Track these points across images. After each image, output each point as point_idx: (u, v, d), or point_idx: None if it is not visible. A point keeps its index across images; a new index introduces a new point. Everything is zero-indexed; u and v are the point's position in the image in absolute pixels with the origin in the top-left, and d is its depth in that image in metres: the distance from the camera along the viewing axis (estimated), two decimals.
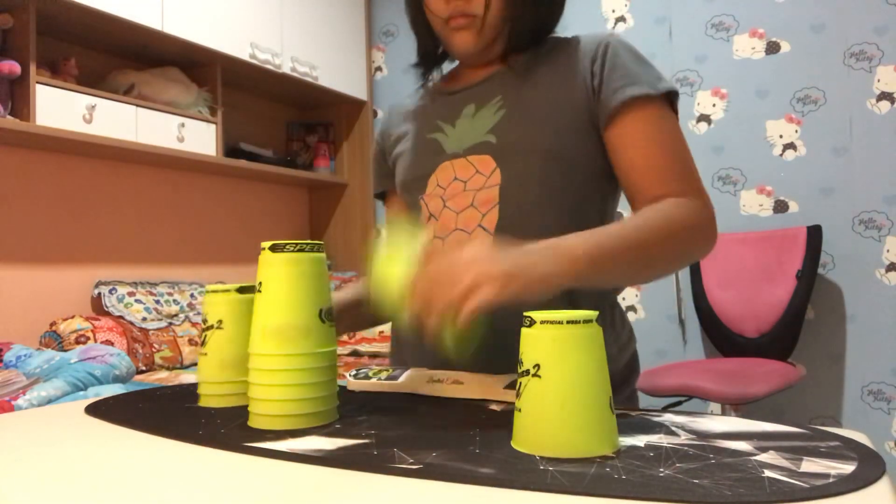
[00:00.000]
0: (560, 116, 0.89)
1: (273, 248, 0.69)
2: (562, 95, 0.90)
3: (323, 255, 0.71)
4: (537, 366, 0.56)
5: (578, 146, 0.89)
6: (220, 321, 0.80)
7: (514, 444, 0.58)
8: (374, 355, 2.74)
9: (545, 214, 0.89)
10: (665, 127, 0.87)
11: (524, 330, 0.58)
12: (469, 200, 0.92)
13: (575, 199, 0.90)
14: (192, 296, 2.68)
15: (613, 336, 0.93)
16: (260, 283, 0.69)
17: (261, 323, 0.68)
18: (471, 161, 0.93)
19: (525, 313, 0.58)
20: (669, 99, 0.89)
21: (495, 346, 0.92)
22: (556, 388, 0.55)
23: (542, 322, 0.56)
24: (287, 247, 0.68)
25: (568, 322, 0.56)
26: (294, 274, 0.68)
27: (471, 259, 0.66)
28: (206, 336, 0.81)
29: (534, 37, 0.96)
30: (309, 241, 0.69)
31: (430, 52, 1.03)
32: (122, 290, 2.46)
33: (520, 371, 0.58)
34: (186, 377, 2.17)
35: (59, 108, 2.13)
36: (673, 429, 0.62)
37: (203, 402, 0.80)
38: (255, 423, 0.68)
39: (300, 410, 0.66)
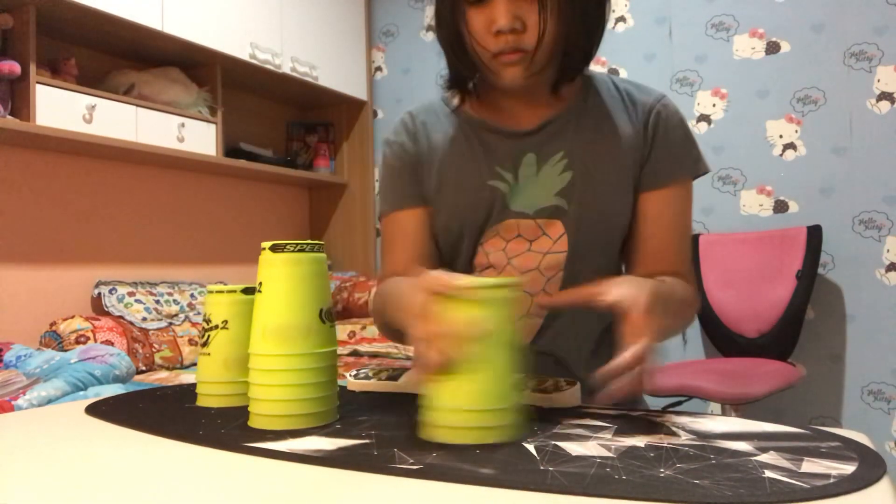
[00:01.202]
0: (619, 179, 0.94)
1: (273, 249, 0.68)
2: (619, 156, 0.94)
3: (323, 255, 0.71)
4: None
5: (627, 207, 0.95)
6: (225, 321, 0.80)
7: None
8: (374, 355, 2.74)
9: (603, 278, 0.92)
10: (688, 208, 0.97)
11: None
12: (535, 263, 0.94)
13: (618, 251, 0.98)
14: (192, 296, 2.68)
15: None
16: (260, 284, 0.69)
17: (261, 323, 0.68)
18: (539, 224, 0.94)
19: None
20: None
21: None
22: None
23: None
24: (287, 247, 0.68)
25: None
26: (294, 274, 0.68)
27: (647, 347, 0.65)
28: (208, 336, 0.81)
29: (582, 66, 0.95)
30: (309, 241, 0.69)
31: (463, 79, 0.97)
32: (122, 290, 2.46)
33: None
34: (186, 377, 2.17)
35: (59, 108, 2.13)
36: (673, 429, 0.62)
37: (202, 402, 0.80)
38: (255, 423, 0.68)
39: (300, 410, 0.66)
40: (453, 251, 1.00)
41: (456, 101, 1.01)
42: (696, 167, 0.96)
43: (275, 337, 0.67)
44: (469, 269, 0.99)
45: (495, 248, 0.96)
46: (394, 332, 0.95)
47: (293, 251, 0.68)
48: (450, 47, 0.93)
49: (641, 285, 0.71)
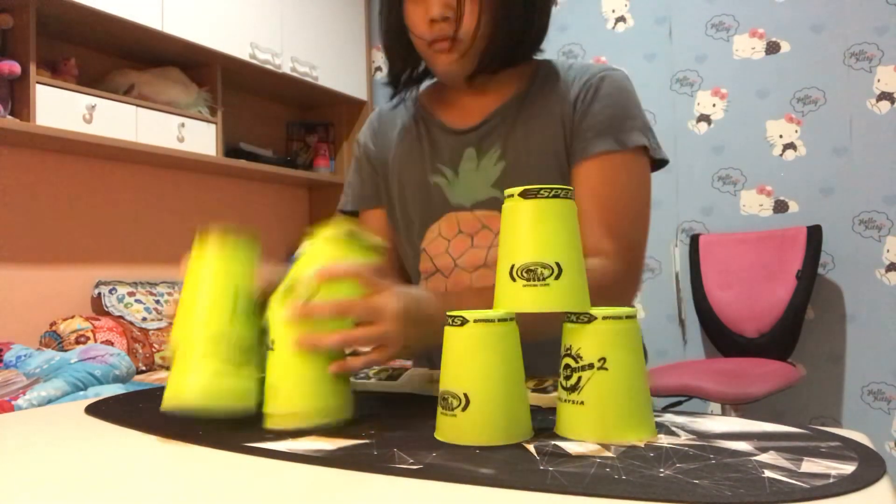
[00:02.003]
0: (551, 163, 0.91)
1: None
2: (551, 140, 0.91)
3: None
4: (603, 359, 0.58)
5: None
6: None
7: (568, 434, 0.59)
8: None
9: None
10: (622, 181, 0.89)
11: (581, 326, 0.59)
12: (482, 259, 0.93)
13: None
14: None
15: None
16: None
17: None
18: (477, 216, 0.93)
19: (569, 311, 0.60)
20: (642, 151, 0.90)
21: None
22: (624, 379, 0.59)
23: (605, 318, 0.58)
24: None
25: (626, 317, 0.59)
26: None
27: (393, 312, 0.66)
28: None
29: (520, 54, 0.94)
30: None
31: (402, 74, 1.00)
32: (122, 290, 2.46)
33: (574, 365, 0.59)
34: None
35: (59, 108, 2.13)
36: (673, 429, 0.62)
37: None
38: (270, 422, 0.66)
39: (317, 405, 0.66)
40: (412, 250, 1.01)
41: (414, 93, 1.04)
42: (624, 138, 0.89)
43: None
44: (416, 275, 1.00)
45: (439, 252, 0.96)
46: None
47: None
48: (387, 37, 0.96)
49: (405, 296, 0.68)
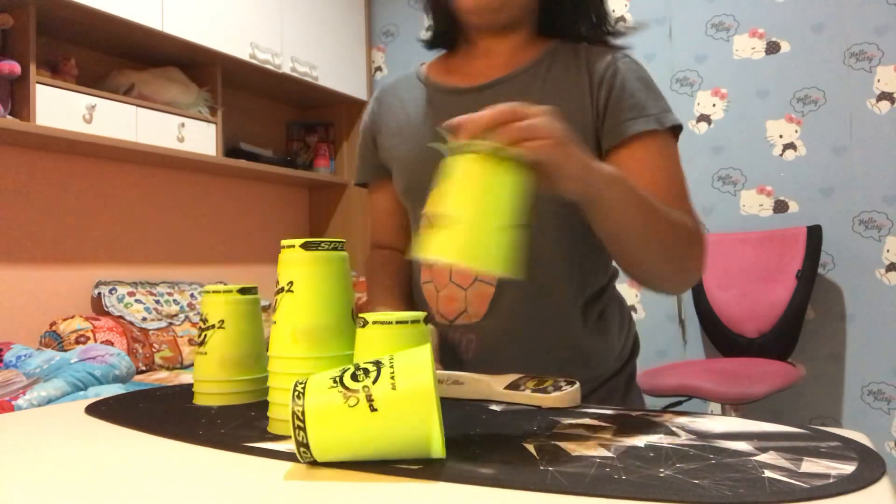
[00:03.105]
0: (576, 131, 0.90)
1: (306, 247, 0.65)
2: (572, 116, 0.89)
3: (347, 253, 0.69)
4: None
5: None
6: (221, 321, 0.80)
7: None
8: None
9: (560, 229, 0.90)
10: (666, 159, 0.88)
11: None
12: None
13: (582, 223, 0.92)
14: (192, 296, 2.68)
15: (618, 322, 0.97)
16: (290, 283, 0.65)
17: (290, 324, 0.64)
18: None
19: None
20: (673, 130, 0.90)
21: (499, 349, 0.93)
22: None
23: None
24: (322, 245, 0.66)
25: None
26: (329, 273, 0.66)
27: (543, 114, 0.64)
28: (205, 336, 0.81)
29: (566, 19, 0.94)
30: (337, 240, 0.68)
31: (443, 34, 0.99)
32: (122, 290, 2.46)
33: None
34: (186, 377, 2.17)
35: (59, 108, 2.13)
36: (673, 429, 0.62)
37: (199, 401, 0.80)
38: (276, 428, 0.65)
39: None
40: (415, 219, 1.01)
41: (420, 65, 1.04)
42: (662, 118, 0.88)
43: (307, 338, 0.64)
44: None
45: None
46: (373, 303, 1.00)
47: (327, 249, 0.66)
48: None
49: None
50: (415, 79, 1.04)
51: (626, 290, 2.89)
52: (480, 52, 0.97)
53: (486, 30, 0.95)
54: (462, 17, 0.94)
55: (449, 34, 1.01)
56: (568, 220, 0.90)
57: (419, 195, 0.96)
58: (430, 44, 1.03)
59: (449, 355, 0.93)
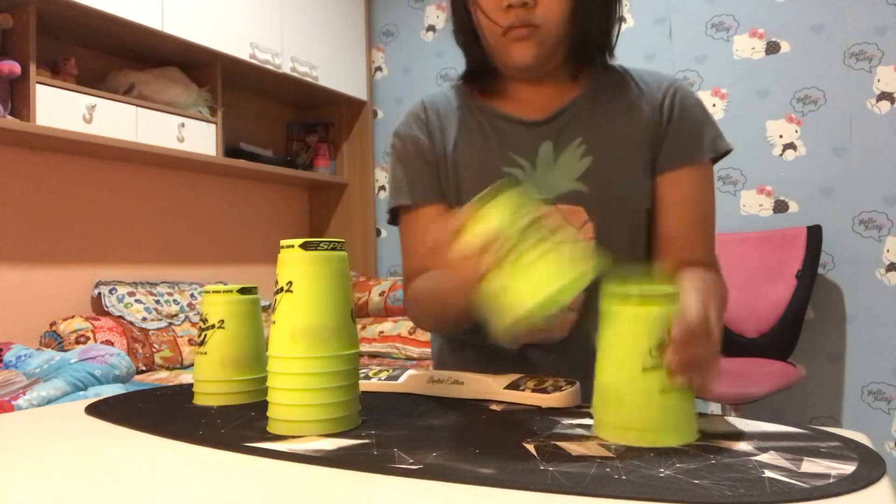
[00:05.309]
0: (637, 161, 0.92)
1: (305, 247, 0.65)
2: (635, 136, 0.92)
3: (346, 253, 0.69)
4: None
5: (647, 190, 0.93)
6: (221, 321, 0.80)
7: None
8: (374, 355, 2.74)
9: (631, 262, 0.92)
10: (710, 191, 0.94)
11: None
12: None
13: (644, 238, 0.95)
14: (192, 296, 2.68)
15: None
16: (289, 283, 0.65)
17: (290, 324, 0.64)
18: (560, 210, 0.91)
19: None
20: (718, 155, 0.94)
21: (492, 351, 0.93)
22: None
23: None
24: (321, 245, 0.66)
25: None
26: (328, 272, 0.65)
27: (711, 335, 0.61)
28: (205, 336, 0.81)
29: (599, 51, 0.95)
30: (336, 240, 0.68)
31: (482, 68, 0.96)
32: (122, 290, 2.46)
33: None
34: (186, 377, 2.17)
35: (59, 108, 2.13)
36: None
37: (199, 401, 0.80)
38: (277, 428, 0.65)
39: (329, 415, 0.64)
40: None
41: (459, 87, 1.01)
42: (716, 145, 0.93)
43: (306, 338, 0.64)
44: None
45: None
46: (445, 321, 0.92)
47: (327, 249, 0.66)
48: (461, 31, 0.95)
49: (703, 292, 0.64)
50: (456, 102, 1.00)
51: None
52: (526, 83, 0.96)
53: (527, 79, 0.96)
54: (505, 70, 0.94)
55: (484, 72, 0.98)
56: (637, 234, 0.94)
57: None
58: (469, 77, 1.00)
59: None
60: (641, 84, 0.95)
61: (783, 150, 2.66)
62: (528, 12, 0.85)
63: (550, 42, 0.88)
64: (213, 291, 0.82)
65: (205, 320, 0.81)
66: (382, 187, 3.44)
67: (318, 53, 3.15)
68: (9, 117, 2.03)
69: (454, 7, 0.95)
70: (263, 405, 0.77)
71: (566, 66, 0.95)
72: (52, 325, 2.23)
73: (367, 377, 0.88)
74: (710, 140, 0.93)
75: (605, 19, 0.92)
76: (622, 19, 0.98)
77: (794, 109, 2.64)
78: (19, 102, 2.07)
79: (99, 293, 2.44)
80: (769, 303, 2.47)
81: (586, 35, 0.91)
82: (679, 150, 0.92)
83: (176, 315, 2.55)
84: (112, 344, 2.17)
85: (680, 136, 0.92)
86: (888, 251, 2.49)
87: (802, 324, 2.43)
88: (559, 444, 0.58)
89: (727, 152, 0.94)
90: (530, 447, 0.57)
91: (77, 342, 2.13)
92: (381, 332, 2.79)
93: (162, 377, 2.18)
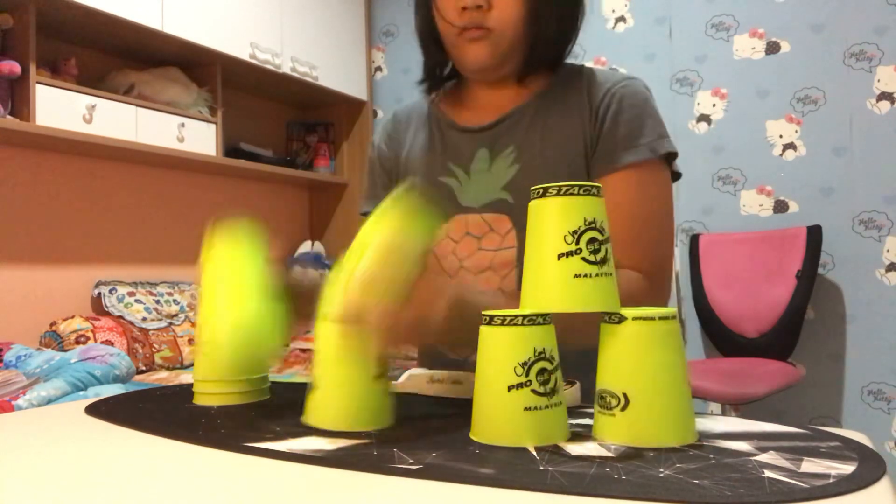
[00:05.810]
0: (568, 170, 0.90)
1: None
2: (571, 146, 0.90)
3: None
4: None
5: None
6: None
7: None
8: None
9: None
10: (651, 193, 0.89)
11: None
12: (488, 262, 0.92)
13: None
14: (192, 296, 2.68)
15: None
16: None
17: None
18: (485, 219, 0.92)
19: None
20: (668, 157, 0.90)
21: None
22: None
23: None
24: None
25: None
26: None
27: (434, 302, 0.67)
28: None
29: (551, 58, 0.94)
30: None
31: (438, 68, 0.99)
32: (122, 290, 2.46)
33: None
34: (186, 377, 2.17)
35: (59, 108, 2.13)
36: None
37: (199, 401, 0.80)
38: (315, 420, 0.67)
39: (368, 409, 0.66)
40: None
41: (432, 96, 1.03)
42: (655, 146, 0.88)
43: (364, 289, 0.66)
44: None
45: (445, 253, 0.95)
46: None
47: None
48: (421, 32, 0.97)
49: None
50: (424, 110, 1.04)
51: None
52: (483, 88, 0.98)
53: (484, 81, 0.97)
54: (461, 71, 0.96)
55: (444, 68, 1.01)
56: None
57: None
58: (425, 77, 1.01)
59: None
60: (589, 87, 0.93)
61: (783, 150, 2.66)
62: (483, 15, 0.87)
63: (504, 45, 0.89)
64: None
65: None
66: None
67: (318, 53, 3.15)
68: (9, 117, 2.03)
69: (417, 8, 0.97)
70: (263, 405, 0.77)
71: (525, 71, 0.95)
72: (52, 325, 2.23)
73: None
74: (649, 142, 0.88)
75: (563, 26, 0.92)
76: (578, 31, 0.97)
77: (794, 109, 2.64)
78: (19, 102, 2.07)
79: (99, 293, 2.44)
80: (769, 303, 2.47)
81: (541, 41, 0.91)
82: (610, 155, 0.88)
83: (176, 315, 2.55)
84: (112, 344, 2.17)
85: (613, 139, 0.89)
86: (888, 251, 2.49)
87: (802, 324, 2.43)
88: (559, 444, 0.58)
89: (670, 154, 0.89)
90: (530, 447, 0.57)
91: (77, 342, 2.13)
92: None
93: (162, 377, 2.18)
